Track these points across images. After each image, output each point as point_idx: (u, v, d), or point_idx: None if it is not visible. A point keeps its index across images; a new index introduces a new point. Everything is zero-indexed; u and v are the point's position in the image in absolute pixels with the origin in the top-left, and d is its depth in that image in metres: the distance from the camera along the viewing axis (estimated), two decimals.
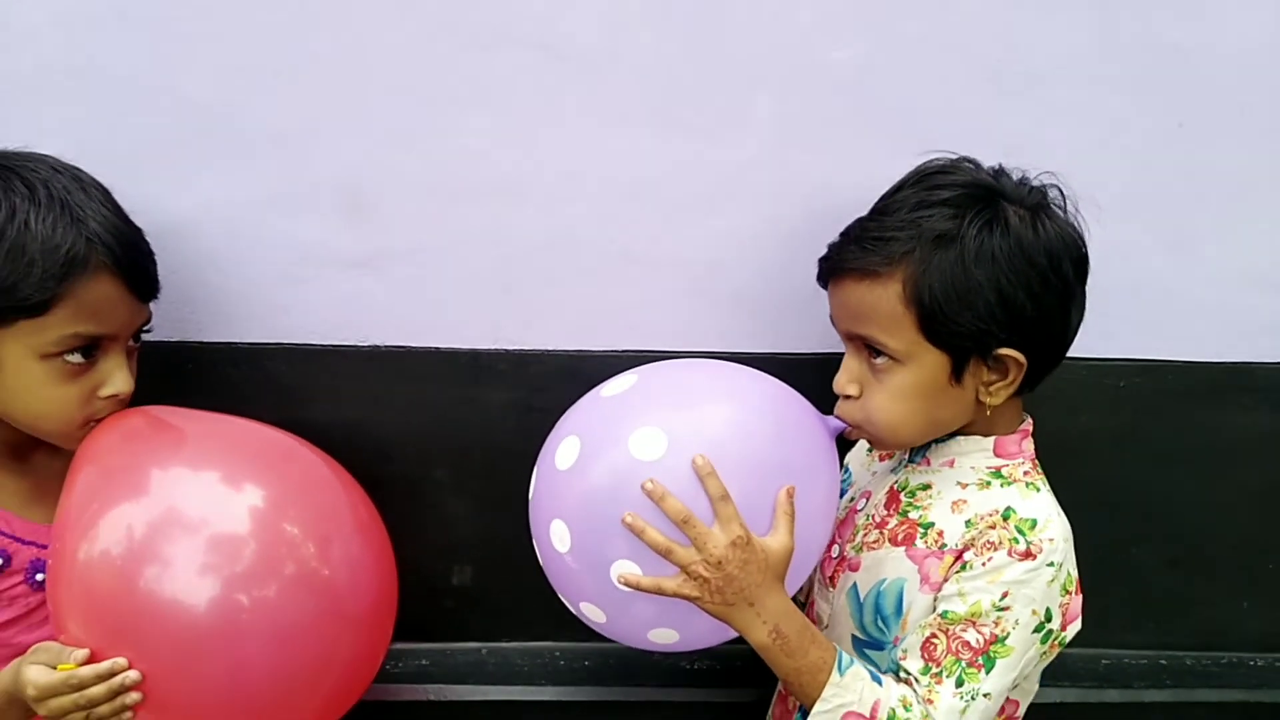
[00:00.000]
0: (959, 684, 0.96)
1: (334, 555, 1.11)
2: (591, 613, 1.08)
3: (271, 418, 1.27)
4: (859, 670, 0.98)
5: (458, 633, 1.48)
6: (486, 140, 1.26)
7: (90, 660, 0.98)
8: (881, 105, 1.25)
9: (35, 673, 0.98)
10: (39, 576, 1.12)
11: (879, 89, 1.25)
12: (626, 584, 0.98)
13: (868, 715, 0.95)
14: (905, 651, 1.01)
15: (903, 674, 1.00)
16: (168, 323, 1.28)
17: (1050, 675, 1.44)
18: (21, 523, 1.13)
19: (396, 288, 1.32)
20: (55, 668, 0.98)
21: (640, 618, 1.05)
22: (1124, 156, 1.30)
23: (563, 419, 1.12)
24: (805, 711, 0.99)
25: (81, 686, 0.97)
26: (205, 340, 1.32)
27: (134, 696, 0.98)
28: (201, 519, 1.03)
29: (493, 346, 1.35)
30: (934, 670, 0.98)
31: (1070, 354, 1.27)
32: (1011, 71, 1.26)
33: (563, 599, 1.13)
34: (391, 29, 1.21)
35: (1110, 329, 1.36)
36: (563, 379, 1.27)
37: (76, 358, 1.05)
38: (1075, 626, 1.04)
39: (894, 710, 0.95)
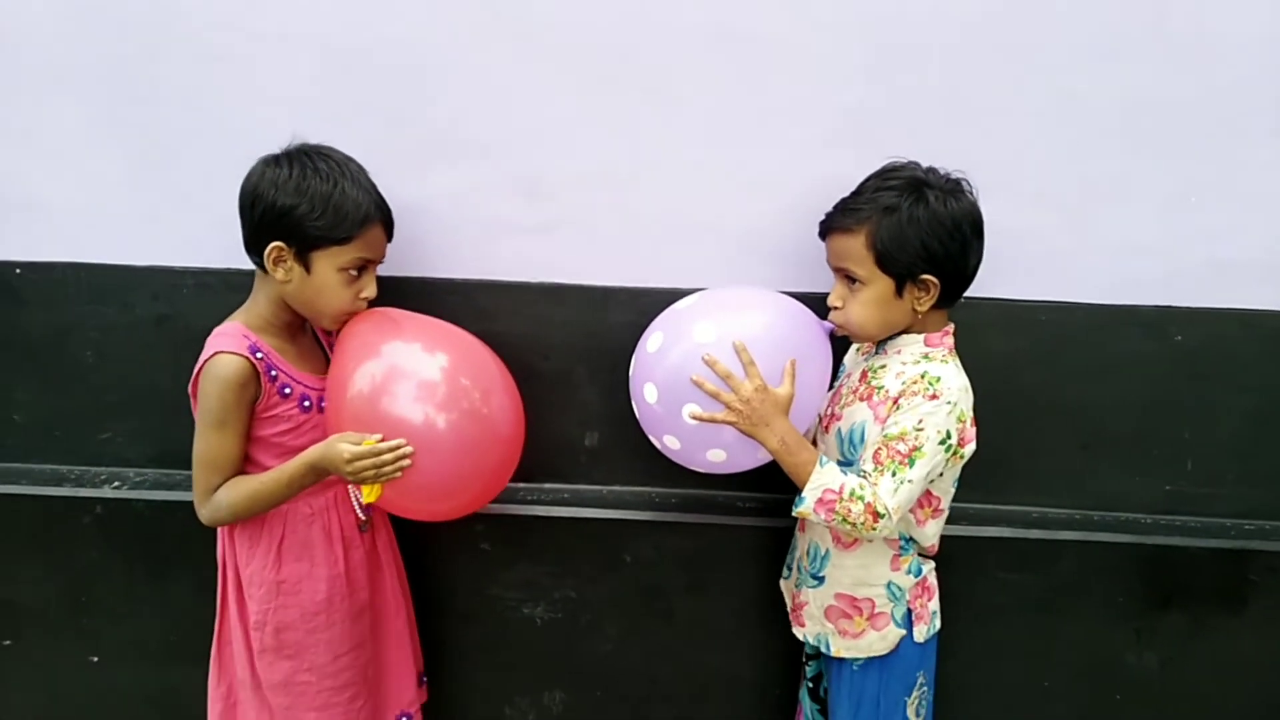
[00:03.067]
0: (894, 474, 1.59)
1: (491, 400, 1.72)
2: (670, 442, 1.72)
3: (472, 328, 1.92)
4: (833, 466, 1.62)
5: (588, 478, 2.15)
6: (618, 151, 1.94)
7: None
8: (872, 129, 1.89)
9: (344, 446, 1.59)
10: (305, 403, 1.73)
11: (872, 119, 1.89)
12: (694, 418, 1.64)
13: (837, 490, 1.59)
14: (864, 460, 1.65)
15: (860, 473, 1.63)
16: (412, 265, 1.99)
17: (992, 521, 2.08)
18: (297, 372, 1.73)
19: (557, 246, 2.00)
20: (359, 444, 1.59)
21: (701, 442, 1.69)
22: (1036, 165, 1.92)
23: (651, 324, 1.76)
24: (799, 493, 1.63)
25: (378, 454, 1.59)
26: (435, 276, 2.01)
27: (408, 462, 1.60)
28: (413, 370, 1.66)
29: (617, 284, 2.02)
30: (879, 468, 1.60)
31: (1006, 297, 1.95)
32: (960, 108, 1.89)
33: (650, 437, 1.77)
34: (559, 79, 1.90)
35: (1034, 280, 1.98)
36: (664, 306, 1.80)
37: (354, 273, 1.68)
38: (971, 446, 1.66)
39: (853, 489, 1.58)
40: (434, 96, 1.92)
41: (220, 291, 2.03)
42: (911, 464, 1.59)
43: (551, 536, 2.11)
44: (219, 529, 1.80)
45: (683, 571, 2.13)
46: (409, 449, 1.61)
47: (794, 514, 1.65)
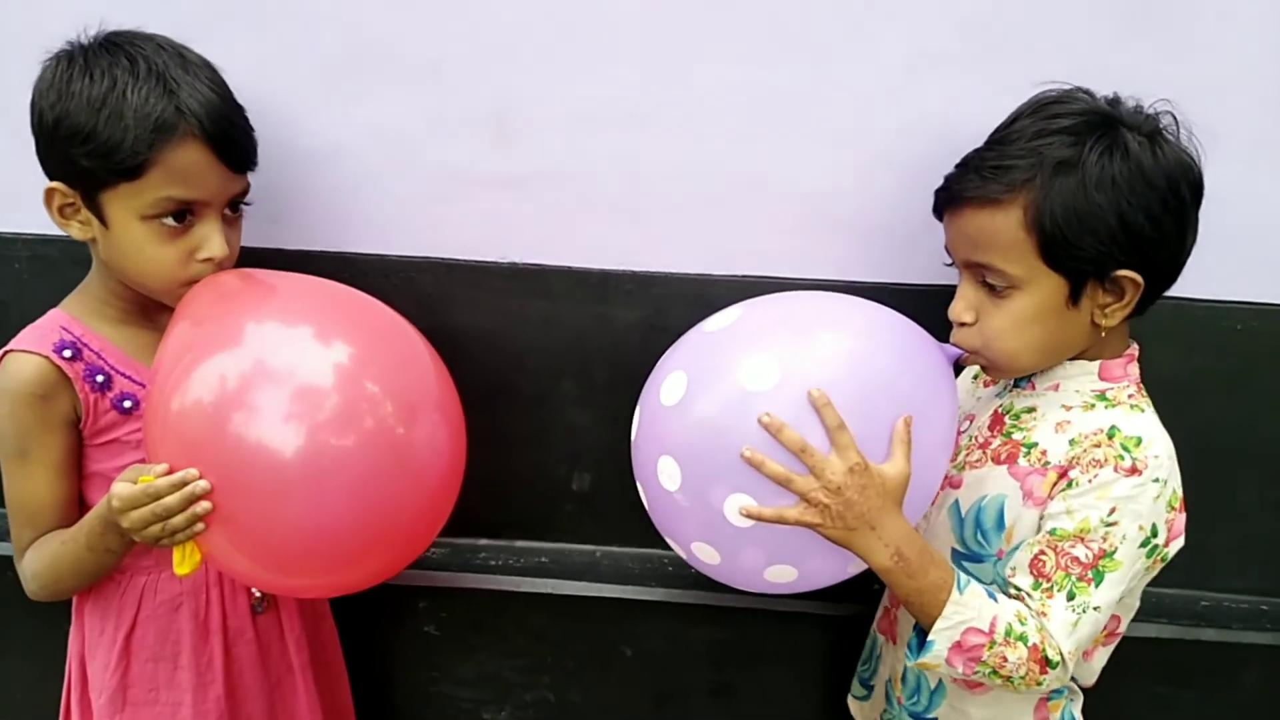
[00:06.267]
0: (1070, 597, 1.02)
1: (415, 420, 1.16)
2: (704, 554, 1.11)
3: (416, 325, 1.40)
4: (977, 588, 1.04)
5: (575, 535, 1.61)
6: (624, 73, 1.37)
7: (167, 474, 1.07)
8: (1003, 44, 1.31)
9: (119, 487, 1.09)
10: None
11: (1001, 29, 1.31)
12: (748, 516, 1.02)
13: (986, 629, 1.01)
14: (1014, 569, 1.07)
15: (1012, 590, 1.05)
16: (326, 234, 1.45)
17: (1147, 612, 1.50)
18: (149, 373, 1.22)
19: (535, 209, 1.45)
20: (135, 482, 1.08)
21: (756, 555, 1.08)
22: (1249, 97, 1.32)
23: (665, 357, 1.16)
24: (920, 630, 1.06)
25: (158, 496, 1.05)
26: (360, 251, 1.47)
27: (205, 505, 1.05)
28: (289, 370, 1.10)
29: (621, 268, 1.46)
30: (1044, 585, 1.03)
31: (1187, 295, 1.36)
32: (1132, 10, 1.29)
33: (672, 543, 1.18)
34: None
35: (1229, 271, 1.40)
36: (685, 301, 1.37)
37: (171, 221, 1.16)
38: (1178, 543, 1.08)
39: (1010, 625, 1.01)
40: None
41: (65, 267, 1.45)
42: (1099, 580, 1.02)
43: (523, 617, 1.63)
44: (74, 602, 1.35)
45: (705, 671, 1.66)
46: (203, 485, 1.06)
47: (911, 665, 1.05)
